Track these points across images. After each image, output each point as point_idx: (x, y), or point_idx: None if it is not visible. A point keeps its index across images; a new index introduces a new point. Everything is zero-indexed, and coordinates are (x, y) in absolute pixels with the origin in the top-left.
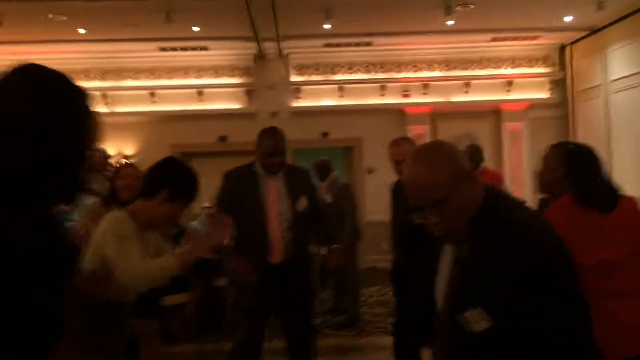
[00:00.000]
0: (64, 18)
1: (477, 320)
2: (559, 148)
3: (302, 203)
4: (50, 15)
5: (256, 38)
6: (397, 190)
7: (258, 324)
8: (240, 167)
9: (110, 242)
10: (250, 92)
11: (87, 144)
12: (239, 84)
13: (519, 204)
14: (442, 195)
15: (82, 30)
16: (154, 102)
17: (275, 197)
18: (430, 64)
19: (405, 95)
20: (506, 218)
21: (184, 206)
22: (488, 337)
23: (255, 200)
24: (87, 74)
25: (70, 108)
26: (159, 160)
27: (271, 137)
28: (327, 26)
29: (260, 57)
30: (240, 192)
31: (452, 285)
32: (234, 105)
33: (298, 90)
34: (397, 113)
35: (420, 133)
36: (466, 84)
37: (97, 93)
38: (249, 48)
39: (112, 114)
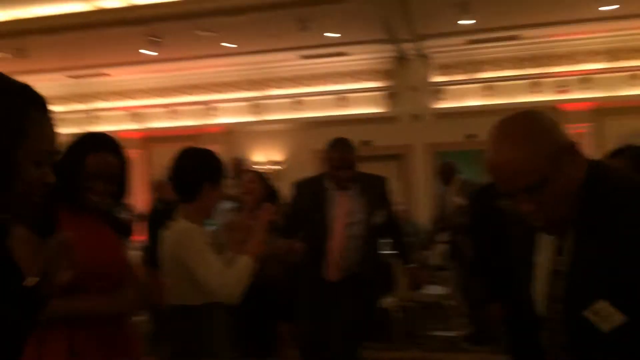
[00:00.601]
0: (212, 34)
1: (607, 315)
2: None
3: (378, 216)
4: (199, 32)
5: (393, 40)
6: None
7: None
8: (310, 178)
9: (191, 255)
10: (391, 95)
11: (21, 157)
12: (379, 87)
13: (627, 172)
14: (537, 178)
15: (228, 44)
16: (298, 110)
17: (343, 211)
18: (590, 55)
19: (562, 91)
20: (620, 187)
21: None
22: (620, 335)
23: (320, 215)
24: (237, 85)
25: None
26: (181, 162)
27: (339, 149)
28: (467, 22)
29: (399, 59)
30: (306, 205)
31: (564, 280)
32: (376, 109)
33: (440, 91)
34: (552, 111)
35: (580, 132)
36: (634, 76)
37: (247, 103)
38: (388, 50)
39: (261, 122)
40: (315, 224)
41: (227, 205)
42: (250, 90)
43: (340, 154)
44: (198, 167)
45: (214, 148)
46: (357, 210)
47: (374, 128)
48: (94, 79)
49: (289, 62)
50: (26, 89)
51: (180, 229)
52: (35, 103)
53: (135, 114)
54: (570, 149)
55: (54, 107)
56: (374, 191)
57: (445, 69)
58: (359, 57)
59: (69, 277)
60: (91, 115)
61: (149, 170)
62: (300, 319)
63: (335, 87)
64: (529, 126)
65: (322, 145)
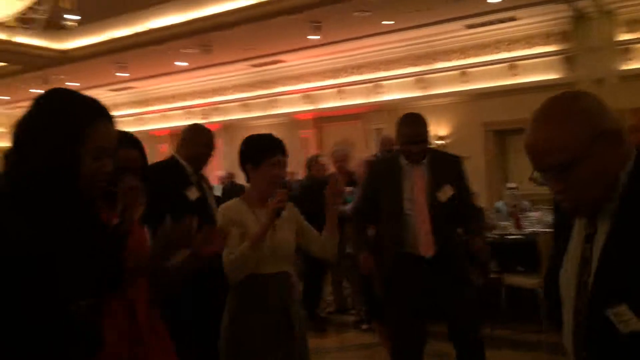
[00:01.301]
0: (369, 14)
1: (625, 319)
2: None
3: (446, 192)
4: (356, 13)
5: None
6: None
7: (417, 324)
8: (385, 156)
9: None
10: (568, 59)
11: (82, 153)
12: (554, 52)
13: None
14: (567, 158)
15: (388, 22)
16: (465, 82)
17: (421, 186)
18: None
19: None
20: None
21: (272, 163)
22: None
23: (398, 191)
24: (402, 61)
25: (59, 127)
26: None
27: (410, 124)
28: None
29: (577, 18)
30: (382, 184)
31: (590, 271)
32: (550, 76)
33: (628, 51)
34: None
35: None
36: None
37: (412, 78)
38: (563, 10)
39: (427, 97)
40: (393, 201)
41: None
42: (416, 66)
43: (412, 128)
44: (241, 152)
45: (380, 125)
46: (428, 184)
47: (548, 97)
48: (272, 67)
49: (454, 33)
50: (90, 101)
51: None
52: (96, 111)
53: (307, 96)
54: (613, 134)
55: (241, 94)
56: (444, 168)
57: (634, 24)
58: (531, 21)
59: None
60: (272, 100)
61: (320, 149)
62: (396, 301)
63: (504, 55)
64: (569, 106)
65: (491, 117)
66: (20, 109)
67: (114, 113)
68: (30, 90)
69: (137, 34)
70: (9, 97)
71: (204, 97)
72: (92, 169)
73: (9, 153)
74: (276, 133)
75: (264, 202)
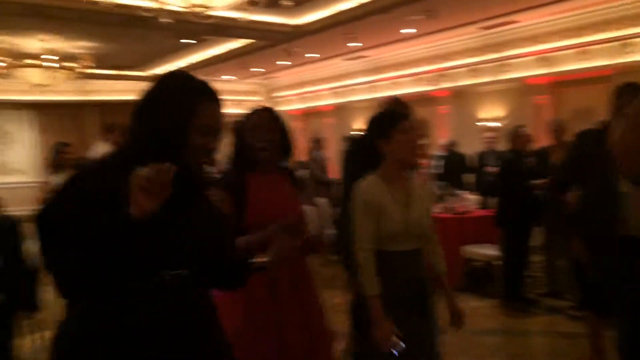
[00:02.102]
0: None
1: None
2: None
3: None
4: None
5: None
6: None
7: None
8: (592, 128)
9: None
10: None
11: (190, 129)
12: None
13: None
14: None
15: None
16: None
17: None
18: None
19: None
20: None
21: (402, 130)
22: None
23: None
24: None
25: (170, 103)
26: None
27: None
28: None
29: None
30: (590, 156)
31: None
32: None
33: None
34: None
35: None
36: None
37: None
38: None
39: None
40: (604, 175)
41: None
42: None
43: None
44: (368, 133)
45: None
46: None
47: None
48: (504, 28)
49: None
50: (199, 84)
51: (359, 185)
52: (203, 93)
53: (543, 59)
54: None
55: (469, 59)
56: None
57: None
58: None
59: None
60: (502, 64)
61: (556, 116)
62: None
63: None
64: None
65: None
66: (273, 79)
67: (348, 81)
68: (277, 62)
69: (362, 4)
70: (263, 69)
71: (432, 64)
72: (197, 144)
73: (128, 127)
74: (507, 99)
75: (401, 175)
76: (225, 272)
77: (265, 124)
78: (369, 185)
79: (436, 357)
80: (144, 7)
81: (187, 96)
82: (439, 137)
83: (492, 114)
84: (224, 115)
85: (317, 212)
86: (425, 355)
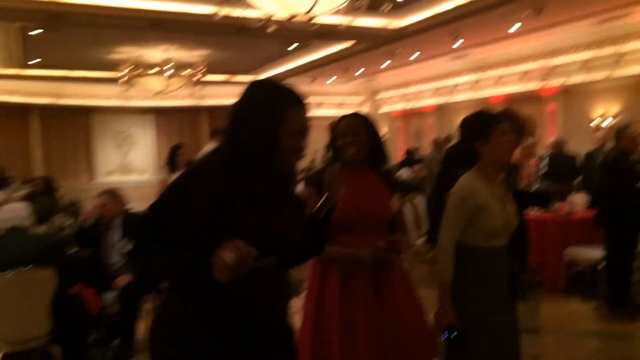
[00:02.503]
0: None
1: None
2: None
3: None
4: None
5: None
6: None
7: None
8: None
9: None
10: None
11: (281, 133)
12: None
13: None
14: None
15: None
16: None
17: None
18: None
19: None
20: None
21: (499, 132)
22: None
23: None
24: None
25: (263, 106)
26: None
27: None
28: None
29: None
30: None
31: None
32: None
33: None
34: None
35: None
36: None
37: None
38: None
39: None
40: None
41: None
42: None
43: None
44: (466, 135)
45: None
46: None
47: None
48: (620, 21)
49: None
50: (287, 91)
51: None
52: (292, 99)
53: None
54: None
55: (581, 55)
56: None
57: None
58: None
59: (341, 194)
60: (617, 60)
61: None
62: None
63: None
64: None
65: None
66: (375, 80)
67: (451, 81)
68: (379, 64)
69: (466, 4)
70: (363, 69)
71: (540, 60)
72: (287, 146)
73: (224, 131)
74: (621, 96)
75: (497, 174)
76: (305, 247)
77: (354, 127)
78: (470, 182)
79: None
80: (252, 18)
81: (277, 103)
82: (547, 137)
83: (605, 112)
84: (309, 118)
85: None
86: (513, 348)
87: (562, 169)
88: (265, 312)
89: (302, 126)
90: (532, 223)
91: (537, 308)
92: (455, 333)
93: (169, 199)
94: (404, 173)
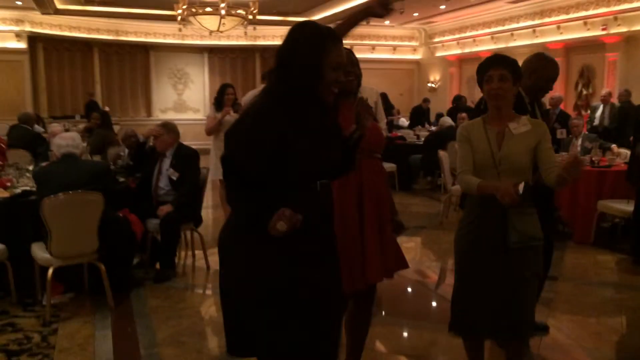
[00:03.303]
0: None
1: None
2: None
3: None
4: None
5: None
6: None
7: None
8: None
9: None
10: None
11: (325, 66)
12: None
13: None
14: None
15: None
16: None
17: None
18: None
19: None
20: None
21: (486, 80)
22: None
23: None
24: None
25: (308, 44)
26: None
27: None
28: None
29: None
30: None
31: None
32: None
33: None
34: None
35: None
36: None
37: None
38: None
39: None
40: None
41: None
42: None
43: None
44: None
45: None
46: None
47: None
48: None
49: None
50: (326, 29)
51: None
52: (331, 37)
53: None
54: None
55: None
56: None
57: None
58: None
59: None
60: None
61: None
62: None
63: None
64: None
65: None
66: (431, 24)
67: (510, 26)
68: (440, 7)
69: None
70: (417, 14)
71: (604, 6)
72: (331, 78)
73: (271, 71)
74: None
75: (500, 117)
76: (341, 167)
77: (350, 59)
78: (470, 122)
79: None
80: None
81: (319, 40)
82: (608, 86)
83: None
84: (345, 52)
85: None
86: (505, 289)
87: (626, 121)
88: (317, 222)
89: (341, 60)
90: None
91: (562, 257)
92: (524, 184)
93: (240, 144)
94: (447, 120)
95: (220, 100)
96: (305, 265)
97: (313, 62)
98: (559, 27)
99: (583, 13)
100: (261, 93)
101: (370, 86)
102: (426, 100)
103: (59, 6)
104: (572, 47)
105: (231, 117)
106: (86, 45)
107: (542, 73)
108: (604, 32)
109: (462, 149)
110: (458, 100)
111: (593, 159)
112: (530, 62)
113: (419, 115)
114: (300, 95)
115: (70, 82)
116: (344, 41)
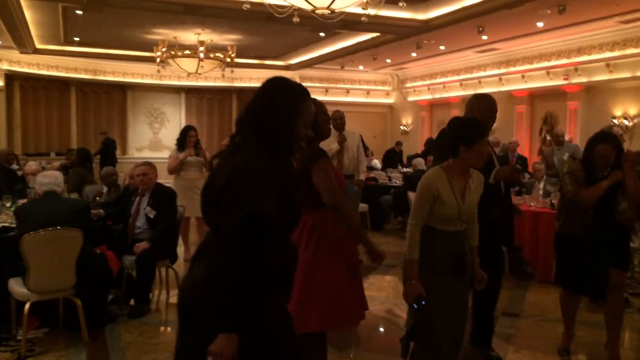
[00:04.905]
0: None
1: None
2: None
3: None
4: None
5: None
6: None
7: None
8: None
9: (417, 191)
10: None
11: (299, 125)
12: None
13: None
14: None
15: None
16: None
17: None
18: None
19: None
20: None
21: (483, 144)
22: None
23: None
24: None
25: (284, 104)
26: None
27: None
28: None
29: None
30: None
31: None
32: None
33: None
34: None
35: None
36: None
37: None
38: None
39: None
40: None
41: None
42: None
43: None
44: (454, 133)
45: None
46: None
47: None
48: None
49: None
50: (300, 87)
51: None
52: (304, 94)
53: None
54: None
55: (605, 54)
56: None
57: None
58: None
59: None
60: None
61: None
62: None
63: None
64: None
65: None
66: (403, 70)
67: (477, 74)
68: (412, 54)
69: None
70: (390, 60)
71: (565, 58)
72: (301, 134)
73: (242, 121)
74: None
75: (463, 173)
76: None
77: (323, 106)
78: (433, 174)
79: (466, 317)
80: (279, 7)
81: (294, 100)
82: (569, 133)
83: (626, 111)
84: (313, 108)
85: None
86: (462, 313)
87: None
88: (292, 274)
89: (311, 116)
90: (527, 214)
91: (524, 295)
92: (423, 302)
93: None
94: (420, 163)
95: (182, 141)
96: (285, 315)
97: (289, 125)
98: (523, 76)
99: (546, 63)
100: (239, 146)
101: (352, 130)
102: (399, 144)
103: (38, 46)
104: (536, 95)
105: (192, 158)
106: (63, 83)
107: (478, 108)
108: (565, 82)
109: (422, 204)
110: (430, 144)
111: (553, 201)
112: (467, 104)
113: (392, 157)
114: (278, 150)
115: (46, 120)
116: (320, 85)
